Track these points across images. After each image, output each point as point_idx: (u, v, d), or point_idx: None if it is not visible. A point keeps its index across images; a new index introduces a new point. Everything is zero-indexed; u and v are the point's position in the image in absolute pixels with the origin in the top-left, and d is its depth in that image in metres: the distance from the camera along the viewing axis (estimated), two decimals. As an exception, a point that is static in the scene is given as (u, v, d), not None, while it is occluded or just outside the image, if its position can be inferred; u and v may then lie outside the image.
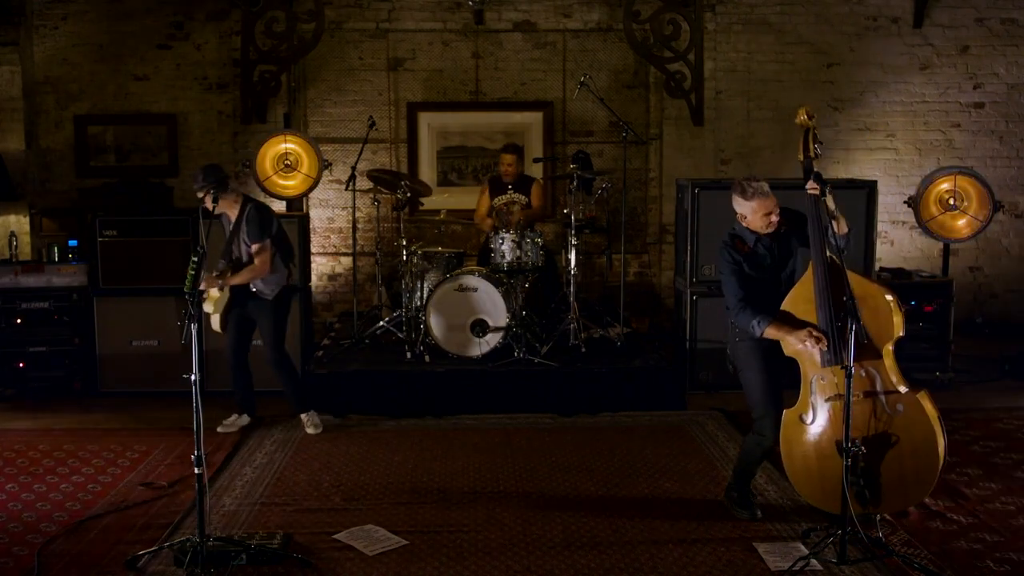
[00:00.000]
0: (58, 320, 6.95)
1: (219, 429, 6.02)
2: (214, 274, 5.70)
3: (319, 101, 8.91)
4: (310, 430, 6.00)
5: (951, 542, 4.33)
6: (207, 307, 5.76)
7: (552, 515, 4.68)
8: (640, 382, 6.60)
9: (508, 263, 6.79)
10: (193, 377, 4.09)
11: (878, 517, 4.42)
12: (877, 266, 7.43)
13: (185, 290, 4.31)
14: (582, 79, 7.48)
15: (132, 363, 6.91)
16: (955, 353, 7.11)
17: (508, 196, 7.58)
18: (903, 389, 4.34)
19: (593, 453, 5.64)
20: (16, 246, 7.27)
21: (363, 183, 7.45)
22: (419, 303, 6.87)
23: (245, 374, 6.11)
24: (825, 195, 4.30)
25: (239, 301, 5.89)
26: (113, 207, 7.87)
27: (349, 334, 7.33)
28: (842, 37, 8.90)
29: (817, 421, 4.42)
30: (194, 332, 4.14)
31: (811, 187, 4.36)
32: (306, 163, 7.37)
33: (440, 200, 8.44)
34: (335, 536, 4.43)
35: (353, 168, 7.23)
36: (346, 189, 7.29)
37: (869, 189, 6.98)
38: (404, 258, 6.98)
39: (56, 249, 7.10)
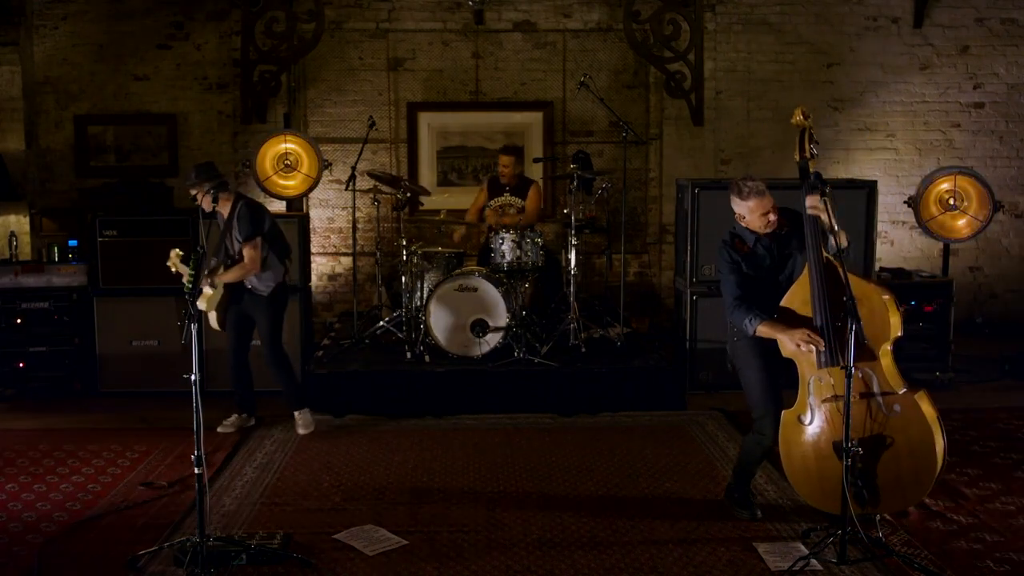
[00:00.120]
0: (58, 320, 6.95)
1: (219, 429, 6.02)
2: (205, 272, 5.69)
3: (319, 101, 8.91)
4: (301, 430, 5.98)
5: (951, 542, 4.33)
6: (201, 305, 5.75)
7: (552, 515, 4.68)
8: (640, 382, 6.60)
9: (508, 263, 6.79)
10: (193, 377, 4.09)
11: (878, 517, 4.42)
12: (877, 266, 7.43)
13: (185, 290, 4.31)
14: (582, 79, 7.48)
15: (132, 363, 6.91)
16: (955, 353, 7.11)
17: (504, 199, 7.59)
18: (901, 390, 4.34)
19: (593, 453, 5.64)
20: (16, 246, 7.27)
21: (363, 183, 7.45)
22: (419, 303, 6.87)
23: (245, 374, 6.11)
24: (831, 223, 4.23)
25: (236, 298, 5.89)
26: (113, 207, 7.89)
27: (349, 334, 7.33)
28: (842, 37, 8.90)
29: (815, 422, 4.42)
30: (194, 332, 4.14)
31: (812, 207, 4.30)
32: (306, 163, 7.37)
33: (440, 200, 8.45)
34: (335, 536, 4.43)
35: (353, 168, 7.23)
36: (346, 189, 7.29)
37: (869, 189, 6.98)
38: (404, 258, 6.98)
39: (56, 249, 7.11)
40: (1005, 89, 9.00)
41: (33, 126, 8.52)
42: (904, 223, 8.95)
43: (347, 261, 8.89)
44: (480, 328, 6.59)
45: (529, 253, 6.81)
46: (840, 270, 4.20)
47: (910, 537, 4.37)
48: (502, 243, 6.82)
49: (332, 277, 9.07)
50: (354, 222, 7.46)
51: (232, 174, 8.51)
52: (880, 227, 8.21)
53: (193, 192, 5.72)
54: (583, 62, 8.85)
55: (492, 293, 6.61)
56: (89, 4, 8.59)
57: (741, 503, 4.66)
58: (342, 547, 4.33)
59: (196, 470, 4.05)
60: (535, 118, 8.91)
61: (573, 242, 6.96)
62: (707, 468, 5.38)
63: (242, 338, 6.06)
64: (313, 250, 8.42)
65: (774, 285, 4.52)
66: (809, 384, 4.42)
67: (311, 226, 8.33)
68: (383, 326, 7.27)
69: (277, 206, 8.03)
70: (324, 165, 7.48)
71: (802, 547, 4.23)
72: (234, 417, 6.14)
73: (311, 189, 7.52)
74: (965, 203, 7.18)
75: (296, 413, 6.07)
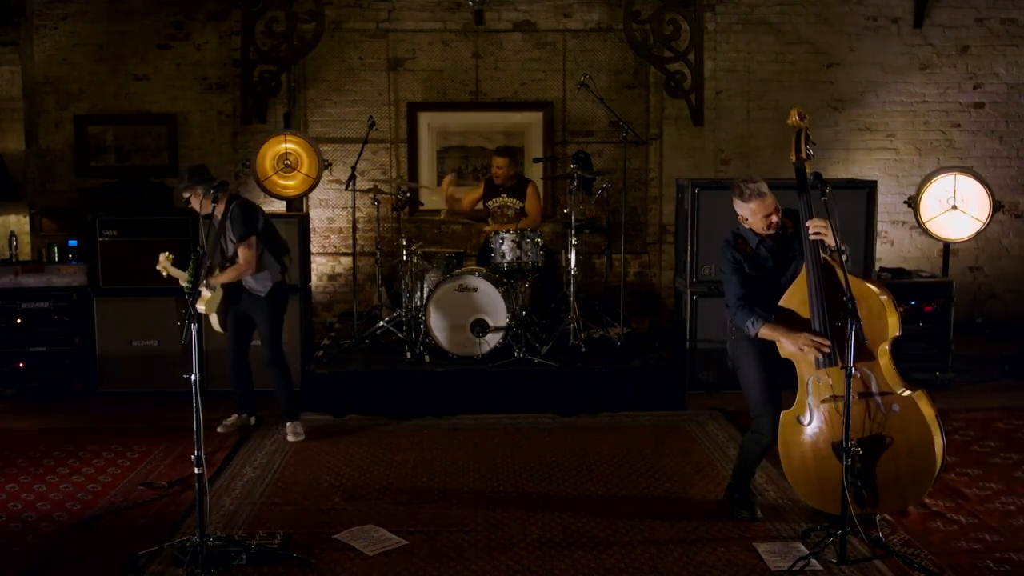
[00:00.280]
0: (58, 320, 6.95)
1: (219, 429, 6.02)
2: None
3: (319, 101, 8.91)
4: (291, 437, 5.92)
5: (951, 542, 4.33)
6: (200, 308, 5.74)
7: (552, 515, 4.68)
8: (640, 382, 6.60)
9: (508, 263, 6.79)
10: (193, 377, 4.09)
11: (878, 517, 4.42)
12: (877, 266, 7.43)
13: (185, 290, 4.31)
14: (582, 79, 7.48)
15: (132, 363, 6.91)
16: (955, 353, 7.11)
17: (502, 200, 7.58)
18: (899, 390, 4.34)
19: (593, 453, 5.64)
20: (16, 246, 7.27)
21: (363, 183, 7.44)
22: (419, 303, 6.87)
23: (245, 374, 6.11)
24: (836, 244, 4.20)
25: (234, 299, 5.88)
26: (113, 207, 7.89)
27: (349, 334, 7.33)
28: (842, 37, 8.90)
29: (814, 423, 4.42)
30: (194, 332, 4.14)
31: (815, 233, 4.26)
32: (306, 163, 7.37)
33: (440, 200, 8.44)
34: (335, 536, 4.43)
35: (353, 168, 7.23)
36: (346, 189, 7.29)
37: (869, 189, 6.98)
38: (404, 258, 6.98)
39: (56, 249, 7.11)
40: (1005, 89, 9.00)
41: (33, 126, 8.52)
42: (904, 223, 8.95)
43: (347, 261, 8.89)
44: (480, 328, 6.59)
45: (529, 253, 6.81)
46: (839, 270, 4.19)
47: (910, 537, 4.37)
48: (502, 243, 6.82)
49: (332, 277, 9.07)
50: (354, 222, 7.46)
51: (232, 174, 8.52)
52: (880, 227, 8.21)
53: (186, 195, 5.70)
54: (583, 62, 8.85)
55: (492, 293, 6.61)
56: (89, 4, 8.59)
57: (741, 503, 4.66)
58: (342, 547, 4.33)
59: (196, 470, 4.05)
60: (535, 118, 8.91)
61: (573, 242, 6.96)
62: (707, 468, 5.38)
63: (242, 338, 6.05)
64: (313, 250, 8.42)
65: (776, 286, 4.51)
66: (808, 384, 4.42)
67: (311, 226, 8.32)
68: (383, 326, 7.27)
69: (277, 206, 8.04)
70: (324, 165, 7.48)
71: (802, 547, 4.23)
72: (234, 417, 6.14)
73: (311, 189, 7.52)
74: (965, 203, 7.20)
75: (288, 423, 5.99)
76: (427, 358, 6.70)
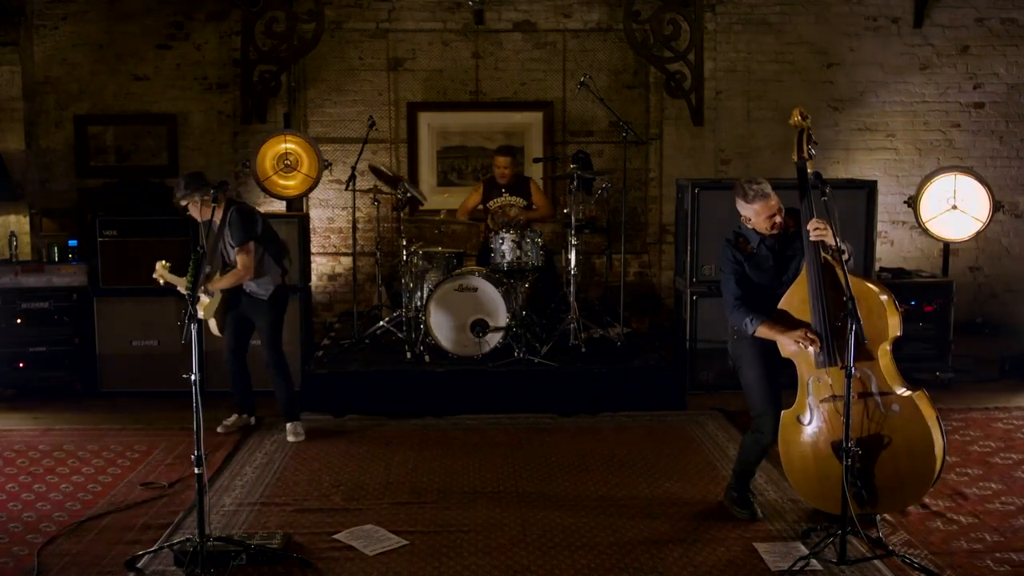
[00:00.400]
0: (58, 320, 6.95)
1: (219, 429, 6.02)
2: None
3: (319, 101, 8.90)
4: (291, 437, 5.92)
5: (951, 542, 4.33)
6: (199, 313, 5.73)
7: (552, 515, 4.69)
8: (640, 382, 6.60)
9: (508, 263, 6.79)
10: (193, 377, 4.09)
11: (878, 517, 4.42)
12: (877, 266, 7.43)
13: (185, 290, 4.31)
14: (582, 79, 7.48)
15: (132, 363, 6.91)
16: (955, 353, 7.11)
17: (504, 199, 7.59)
18: (899, 390, 4.34)
19: (593, 453, 5.64)
20: (16, 246, 7.27)
21: (363, 183, 7.44)
22: (419, 303, 6.87)
23: (244, 375, 6.10)
24: (836, 243, 4.21)
25: (233, 302, 5.87)
26: (113, 207, 7.89)
27: (349, 334, 7.32)
28: (842, 37, 8.89)
29: (814, 422, 4.42)
30: (194, 332, 4.14)
31: (815, 232, 4.26)
32: (306, 163, 7.37)
33: (440, 200, 8.45)
34: (335, 536, 4.44)
35: (353, 168, 7.23)
36: (346, 189, 7.29)
37: (869, 189, 6.99)
38: (404, 258, 6.98)
39: (56, 249, 7.11)
40: (1005, 89, 9.00)
41: (33, 126, 8.52)
42: (904, 223, 8.94)
43: (347, 261, 8.89)
44: (480, 328, 6.59)
45: (529, 253, 6.82)
46: (839, 270, 4.19)
47: (910, 537, 4.37)
48: (502, 243, 6.82)
49: (332, 277, 9.07)
50: (354, 222, 7.46)
51: (232, 174, 8.52)
52: (880, 227, 8.21)
53: (184, 203, 5.68)
54: (583, 62, 8.85)
55: (492, 293, 6.61)
56: (89, 4, 8.59)
57: (741, 503, 4.66)
58: (342, 547, 4.33)
59: (196, 470, 4.06)
60: (535, 118, 8.91)
61: (573, 242, 6.96)
62: (707, 468, 5.38)
63: (241, 340, 6.05)
64: (313, 250, 8.41)
65: (776, 286, 4.51)
66: (808, 384, 4.43)
67: (311, 226, 8.32)
68: (383, 326, 7.27)
69: (277, 206, 8.04)
70: (324, 165, 7.48)
71: (802, 547, 4.23)
72: (234, 417, 6.14)
73: (311, 189, 7.52)
74: (965, 203, 7.20)
75: (288, 424, 5.99)
76: (427, 358, 6.70)
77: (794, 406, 4.47)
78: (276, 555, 4.16)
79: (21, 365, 6.92)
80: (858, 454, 4.20)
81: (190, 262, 5.72)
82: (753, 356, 4.53)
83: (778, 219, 4.45)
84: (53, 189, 8.65)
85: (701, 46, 8.37)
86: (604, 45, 8.92)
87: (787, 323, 4.40)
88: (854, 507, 4.16)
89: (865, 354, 4.29)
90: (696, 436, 5.98)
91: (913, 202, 7.34)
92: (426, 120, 8.91)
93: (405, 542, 4.37)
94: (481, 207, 7.76)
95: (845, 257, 4.24)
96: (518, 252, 6.78)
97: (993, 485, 5.07)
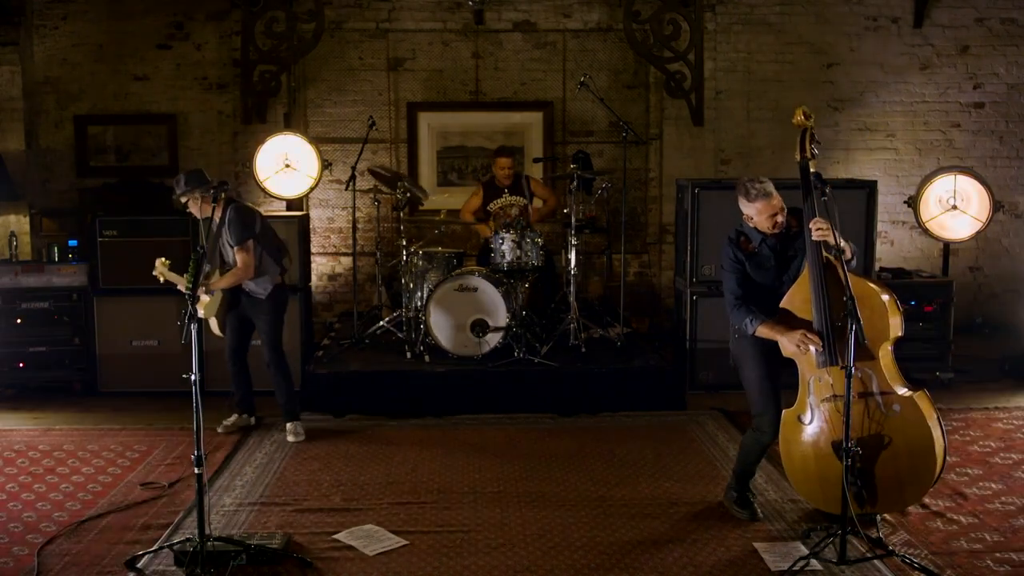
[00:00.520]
0: (58, 320, 6.95)
1: (219, 429, 6.02)
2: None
3: (319, 101, 8.90)
4: (291, 438, 5.92)
5: (951, 542, 4.33)
6: (199, 312, 5.72)
7: (552, 515, 4.69)
8: (640, 382, 6.60)
9: (508, 263, 6.79)
10: (193, 377, 4.09)
11: (878, 517, 4.42)
12: (877, 266, 7.43)
13: (185, 289, 4.30)
14: (582, 79, 7.47)
15: (132, 363, 6.91)
16: (955, 353, 7.11)
17: (505, 199, 7.58)
18: (900, 390, 4.34)
19: (593, 453, 5.64)
20: (16, 246, 7.27)
21: (363, 183, 7.44)
22: (419, 303, 6.87)
23: (244, 375, 6.10)
24: (837, 242, 4.20)
25: (234, 302, 5.87)
26: (113, 207, 7.89)
27: (349, 334, 7.32)
28: (842, 37, 8.89)
29: (814, 422, 4.42)
30: (194, 332, 4.14)
31: (818, 232, 4.25)
32: (306, 163, 7.37)
33: (440, 200, 8.44)
34: (335, 536, 4.44)
35: (353, 168, 7.23)
36: (346, 189, 7.30)
37: (869, 189, 6.98)
38: (404, 258, 6.98)
39: (56, 249, 7.10)
40: (1005, 89, 9.00)
41: (33, 126, 8.52)
42: (904, 223, 8.95)
43: (347, 261, 8.89)
44: (480, 328, 6.59)
45: (529, 253, 6.81)
46: (840, 270, 4.19)
47: (910, 537, 4.37)
48: (502, 243, 6.82)
49: (332, 277, 9.07)
50: (354, 222, 7.46)
51: (232, 174, 8.52)
52: (880, 227, 8.21)
53: (184, 200, 5.69)
54: (583, 62, 8.85)
55: (492, 293, 6.61)
56: (89, 4, 8.59)
57: (741, 503, 4.66)
58: (342, 547, 4.33)
59: (196, 470, 4.06)
60: (535, 118, 8.91)
61: (573, 242, 6.96)
62: (707, 468, 5.38)
63: (241, 340, 6.05)
64: (313, 250, 8.42)
65: (777, 286, 4.51)
66: (809, 384, 4.43)
67: (311, 226, 8.32)
68: (383, 326, 7.27)
69: (277, 206, 8.04)
70: (324, 165, 7.48)
71: (802, 547, 4.23)
72: (234, 417, 6.13)
73: (311, 189, 7.52)
74: (965, 203, 7.19)
75: (288, 424, 5.99)
76: (427, 358, 6.70)
77: (795, 405, 4.47)
78: (276, 555, 4.16)
79: (21, 365, 6.93)
80: (858, 454, 4.20)
81: (190, 261, 5.72)
82: (754, 355, 4.53)
83: (780, 218, 4.45)
84: (53, 189, 8.65)
85: (701, 46, 8.37)
86: (604, 45, 8.92)
87: (787, 323, 4.40)
88: (854, 507, 4.16)
89: (866, 354, 4.29)
90: (696, 436, 5.98)
91: (913, 202, 7.34)
92: (426, 120, 8.91)
93: (405, 542, 4.37)
94: (482, 209, 7.75)
95: (848, 257, 4.24)
96: (518, 252, 6.78)
97: (993, 485, 5.07)
